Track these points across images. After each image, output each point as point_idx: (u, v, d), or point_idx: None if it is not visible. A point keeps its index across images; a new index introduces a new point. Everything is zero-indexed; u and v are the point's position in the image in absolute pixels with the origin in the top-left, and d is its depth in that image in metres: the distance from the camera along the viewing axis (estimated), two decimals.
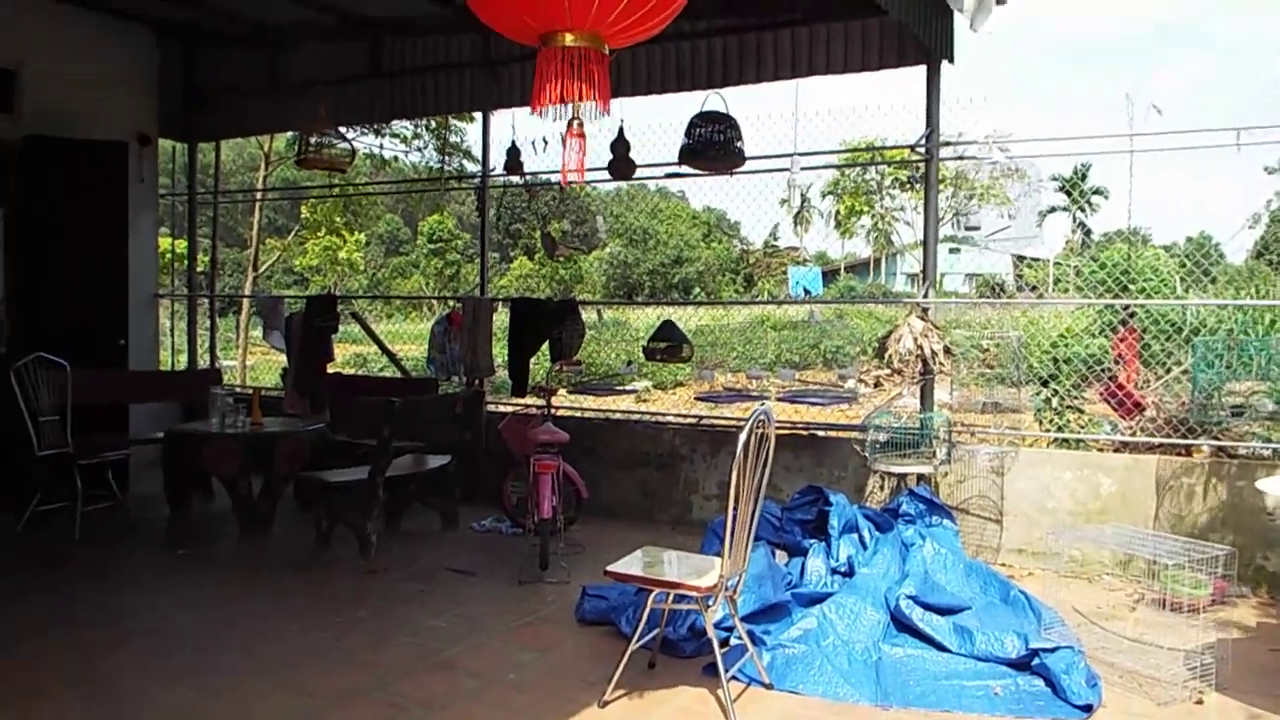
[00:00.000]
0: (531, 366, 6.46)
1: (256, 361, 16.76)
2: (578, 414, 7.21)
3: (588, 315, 7.75)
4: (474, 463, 6.33)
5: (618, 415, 7.15)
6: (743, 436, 3.16)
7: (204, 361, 8.68)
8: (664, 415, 6.79)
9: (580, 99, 2.84)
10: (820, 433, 6.14)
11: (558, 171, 4.29)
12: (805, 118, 5.96)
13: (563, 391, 6.70)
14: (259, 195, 12.87)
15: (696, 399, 6.80)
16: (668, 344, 6.17)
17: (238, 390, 8.33)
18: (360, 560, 5.24)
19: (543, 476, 5.10)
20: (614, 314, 16.79)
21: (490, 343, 6.85)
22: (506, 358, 6.54)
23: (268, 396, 7.12)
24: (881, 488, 5.47)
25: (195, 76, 8.06)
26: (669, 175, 6.57)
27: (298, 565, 5.15)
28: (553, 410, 5.78)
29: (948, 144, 5.78)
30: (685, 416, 6.68)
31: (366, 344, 12.24)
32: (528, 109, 3.16)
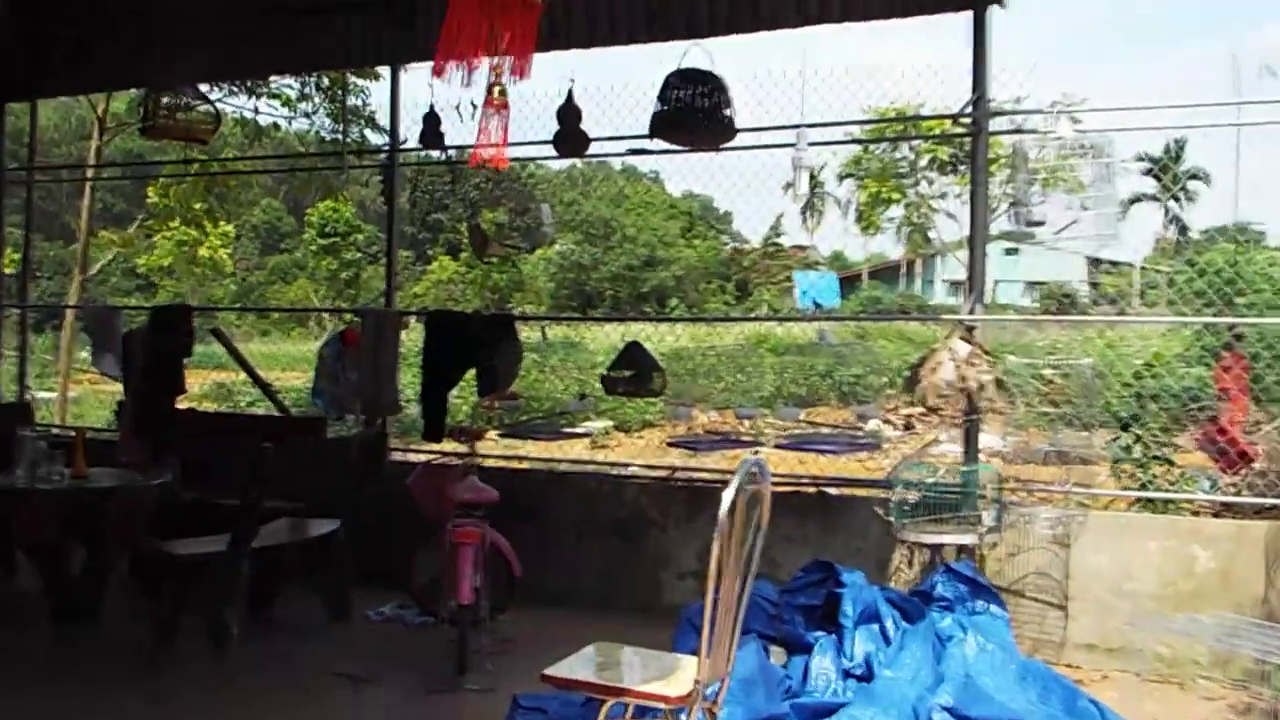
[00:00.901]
0: (452, 401, 6.52)
1: (83, 393, 16.59)
2: (512, 465, 7.25)
3: (528, 334, 7.83)
4: (372, 530, 6.28)
5: (566, 467, 7.24)
6: (729, 495, 3.14)
7: (10, 393, 8.63)
8: (627, 466, 6.98)
9: (499, 56, 2.85)
10: (832, 490, 6.16)
11: (490, 146, 4.29)
12: (815, 78, 6.09)
13: (492, 435, 6.68)
14: (90, 172, 12.72)
15: (670, 445, 6.88)
16: (634, 373, 6.22)
17: (55, 432, 8.26)
18: (216, 660, 5.20)
19: (463, 548, 5.10)
20: (563, 332, 16.44)
21: (398, 370, 6.83)
22: (419, 390, 6.60)
23: (96, 440, 7.05)
24: (911, 563, 5.53)
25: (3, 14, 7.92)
26: (634, 152, 6.64)
27: (131, 667, 5.09)
28: (479, 460, 5.76)
29: (1001, 112, 5.88)
30: (655, 468, 6.80)
31: (232, 370, 12.13)
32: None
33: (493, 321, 6.58)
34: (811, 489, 6.23)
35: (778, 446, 6.55)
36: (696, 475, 6.52)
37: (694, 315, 23.03)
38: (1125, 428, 6.97)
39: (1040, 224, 5.58)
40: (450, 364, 6.51)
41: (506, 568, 5.79)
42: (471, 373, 6.46)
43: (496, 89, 3.15)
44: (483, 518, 5.30)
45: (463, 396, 9.13)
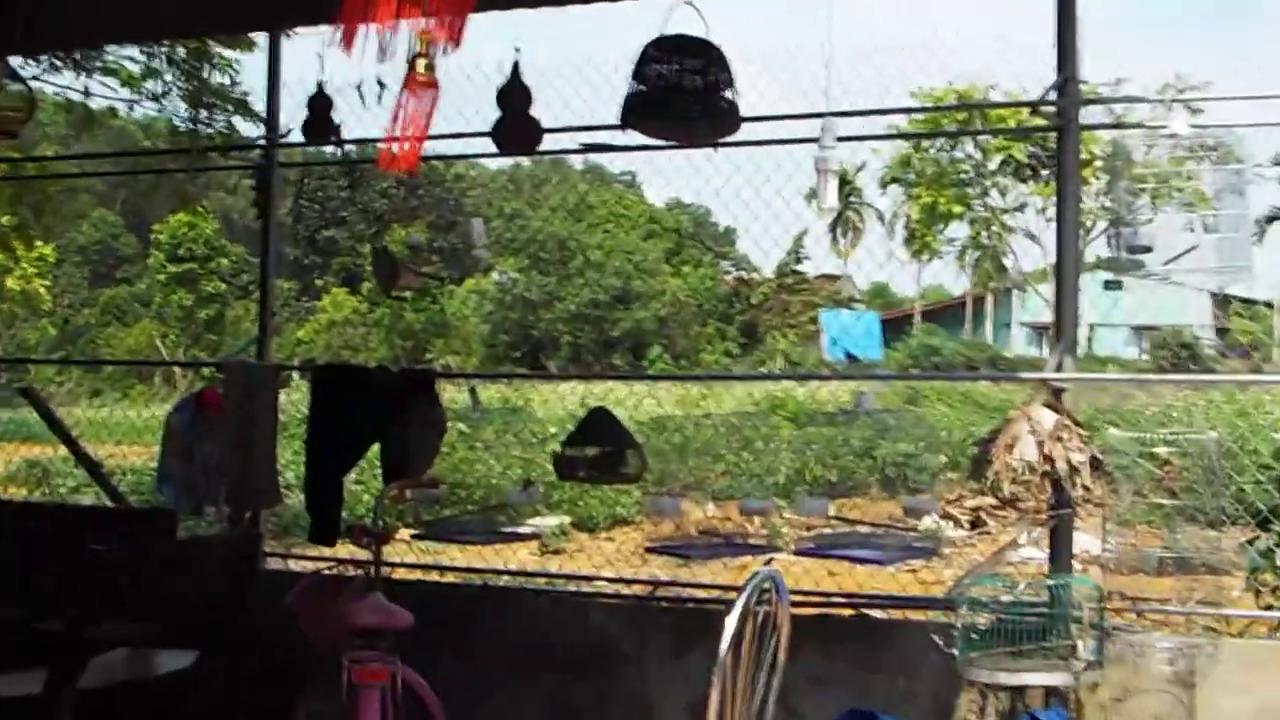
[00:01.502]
0: (350, 490, 6.56)
1: None
2: (433, 577, 7.30)
3: (454, 396, 7.81)
4: (241, 666, 6.11)
5: (506, 580, 7.36)
6: (733, 621, 3.19)
7: None
8: (591, 580, 7.06)
9: (426, 17, 2.88)
10: (875, 612, 6.20)
11: (405, 140, 4.26)
12: (849, 52, 6.21)
13: (405, 535, 6.84)
14: None
15: (650, 551, 6.88)
16: (600, 450, 6.25)
17: None
18: None
19: (365, 693, 5.11)
20: (502, 394, 16.67)
21: (276, 446, 6.89)
22: (304, 474, 6.65)
23: None
24: (982, 711, 5.50)
25: None
26: (598, 149, 6.59)
27: None
28: (387, 571, 5.78)
29: (1095, 100, 5.91)
30: (629, 583, 6.86)
31: (50, 443, 11.91)
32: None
33: (405, 380, 6.60)
34: (846, 610, 6.24)
35: (799, 553, 6.54)
36: (687, 593, 6.59)
37: (683, 373, 22.85)
38: (1265, 525, 6.97)
39: (1148, 250, 5.54)
40: (347, 438, 6.52)
41: (426, 717, 5.74)
42: (376, 450, 6.46)
43: (421, 62, 3.14)
44: (392, 650, 5.30)
45: (364, 483, 9.08)
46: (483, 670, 6.50)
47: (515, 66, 6.26)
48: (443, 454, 6.74)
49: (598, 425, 6.39)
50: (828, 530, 6.99)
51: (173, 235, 35.57)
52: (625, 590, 6.84)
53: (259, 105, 8.07)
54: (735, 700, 3.28)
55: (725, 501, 7.48)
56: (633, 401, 8.24)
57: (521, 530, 7.58)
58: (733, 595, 3.34)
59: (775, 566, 3.64)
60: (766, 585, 3.42)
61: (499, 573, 7.91)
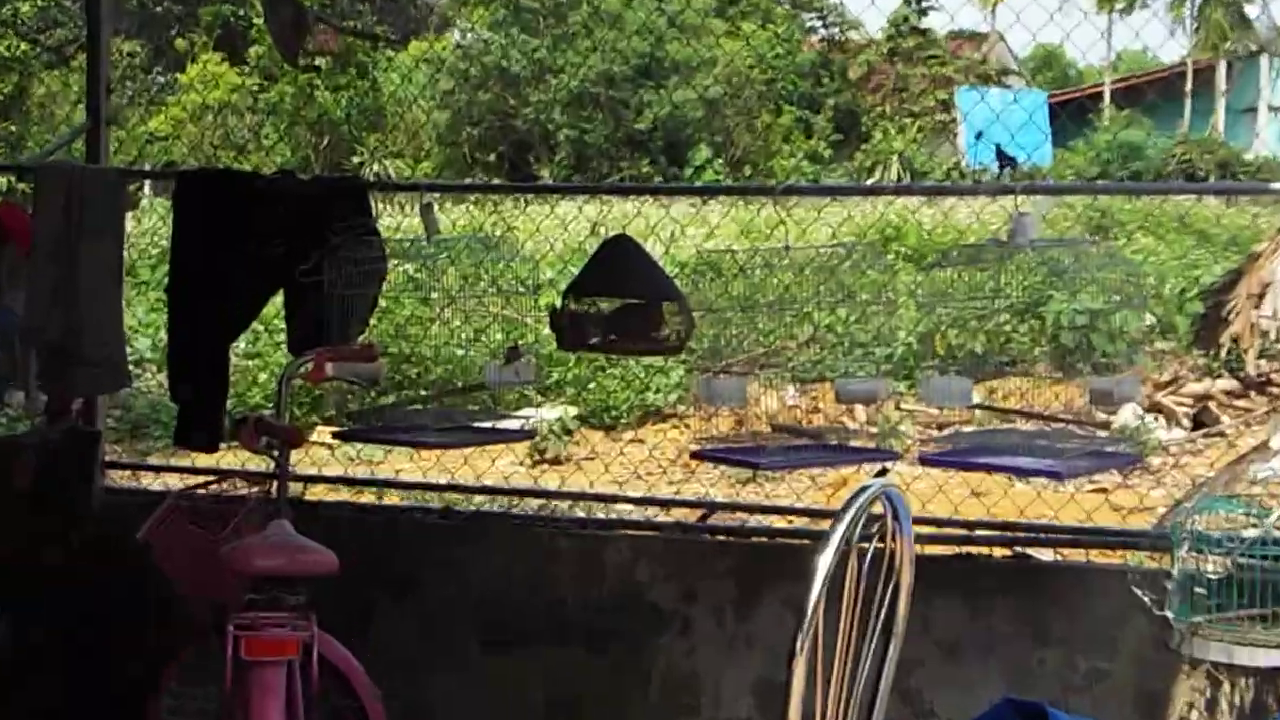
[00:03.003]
0: (238, 364, 6.66)
1: None
2: (367, 499, 7.57)
3: (396, 220, 7.72)
4: (77, 629, 6.16)
5: (482, 501, 7.63)
6: (825, 563, 3.12)
7: None
8: (612, 502, 7.18)
9: None
10: (1044, 553, 6.29)
11: None
12: None
13: (324, 434, 6.93)
14: None
15: (698, 457, 6.84)
16: (622, 304, 6.24)
17: None
18: None
19: (261, 674, 5.16)
20: (471, 216, 16.55)
21: (118, 298, 6.94)
22: (165, 341, 6.80)
23: None
24: (1212, 705, 5.51)
25: None
26: None
27: None
28: (296, 489, 5.99)
29: None
30: (668, 504, 7.00)
31: None
32: None
33: (321, 196, 6.61)
34: (999, 549, 6.33)
35: (927, 461, 6.43)
36: (755, 520, 6.59)
37: (746, 185, 22.60)
38: None
39: None
40: (232, 287, 6.56)
41: (356, 711, 5.80)
42: (279, 303, 6.52)
43: None
44: (304, 609, 5.31)
45: (259, 355, 9.05)
46: (442, 638, 6.58)
47: None
48: (382, 310, 6.80)
49: (617, 266, 6.32)
50: (970, 427, 7.14)
51: None
52: (661, 516, 6.85)
53: None
54: (829, 681, 3.28)
55: (813, 384, 7.32)
56: (669, 231, 8.36)
57: (503, 427, 7.21)
58: (825, 525, 3.32)
59: (891, 481, 3.45)
60: (879, 509, 3.36)
61: (468, 491, 8.03)
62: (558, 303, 6.33)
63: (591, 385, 15.76)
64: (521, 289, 6.48)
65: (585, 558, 6.70)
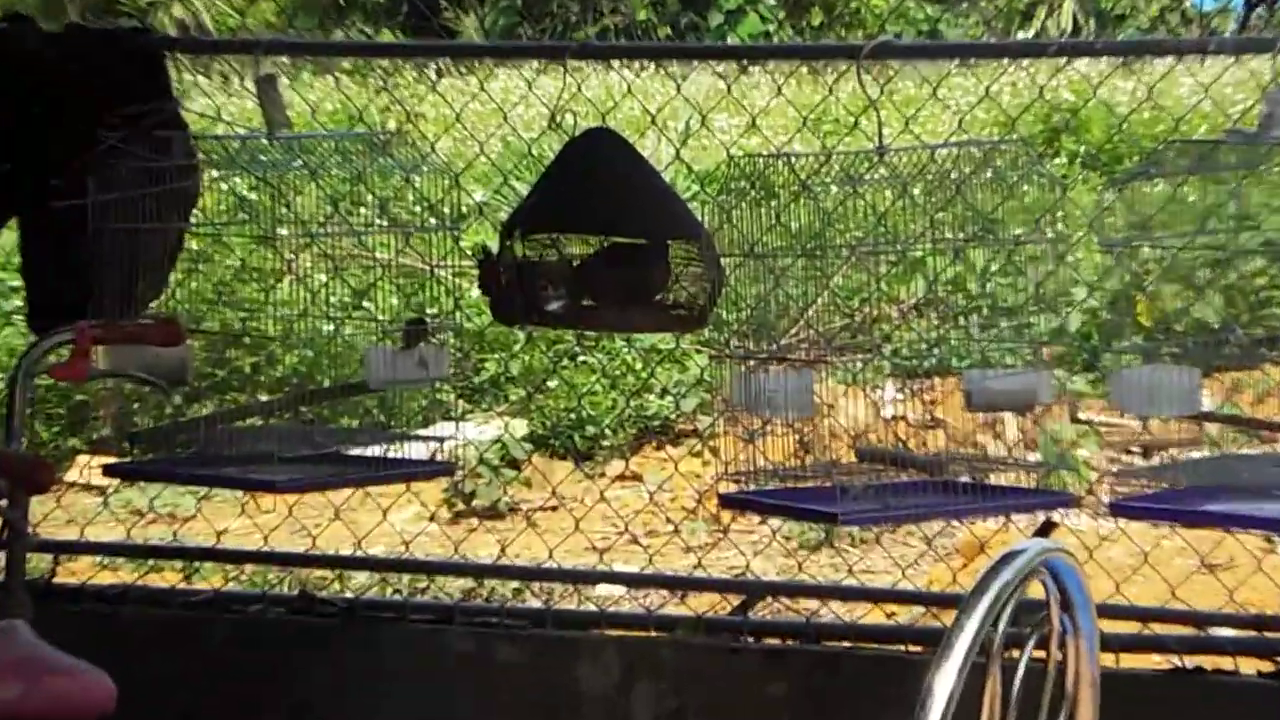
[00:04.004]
0: None
1: None
2: (166, 581, 7.08)
3: (209, 100, 7.40)
4: None
5: (366, 581, 7.73)
6: (947, 679, 2.40)
7: None
8: (587, 580, 7.08)
9: None
10: None
11: None
12: None
13: (91, 465, 6.50)
14: None
15: (730, 505, 5.76)
16: (604, 246, 5.30)
17: None
18: None
19: None
20: (341, 94, 14.86)
21: None
22: None
23: None
24: None
25: None
26: None
27: None
28: (44, 568, 5.92)
29: None
30: (683, 588, 6.78)
31: None
32: None
33: (86, 61, 5.64)
34: (1249, 661, 5.39)
35: (1120, 510, 5.38)
36: (828, 611, 6.05)
37: (809, 44, 22.88)
38: None
39: None
40: None
41: None
42: (10, 246, 6.17)
43: None
44: None
45: None
46: None
47: None
48: (190, 258, 5.65)
49: (595, 184, 5.25)
50: (1197, 452, 7.05)
51: None
52: (671, 606, 6.79)
53: None
54: None
55: (926, 379, 6.08)
56: (683, 121, 7.83)
57: (401, 455, 5.73)
58: (948, 619, 2.74)
59: (1061, 545, 2.66)
60: (1038, 593, 2.70)
61: (343, 565, 7.34)
62: (493, 245, 5.36)
63: (552, 384, 13.01)
64: (431, 222, 5.43)
65: (544, 678, 5.80)
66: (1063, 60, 8.16)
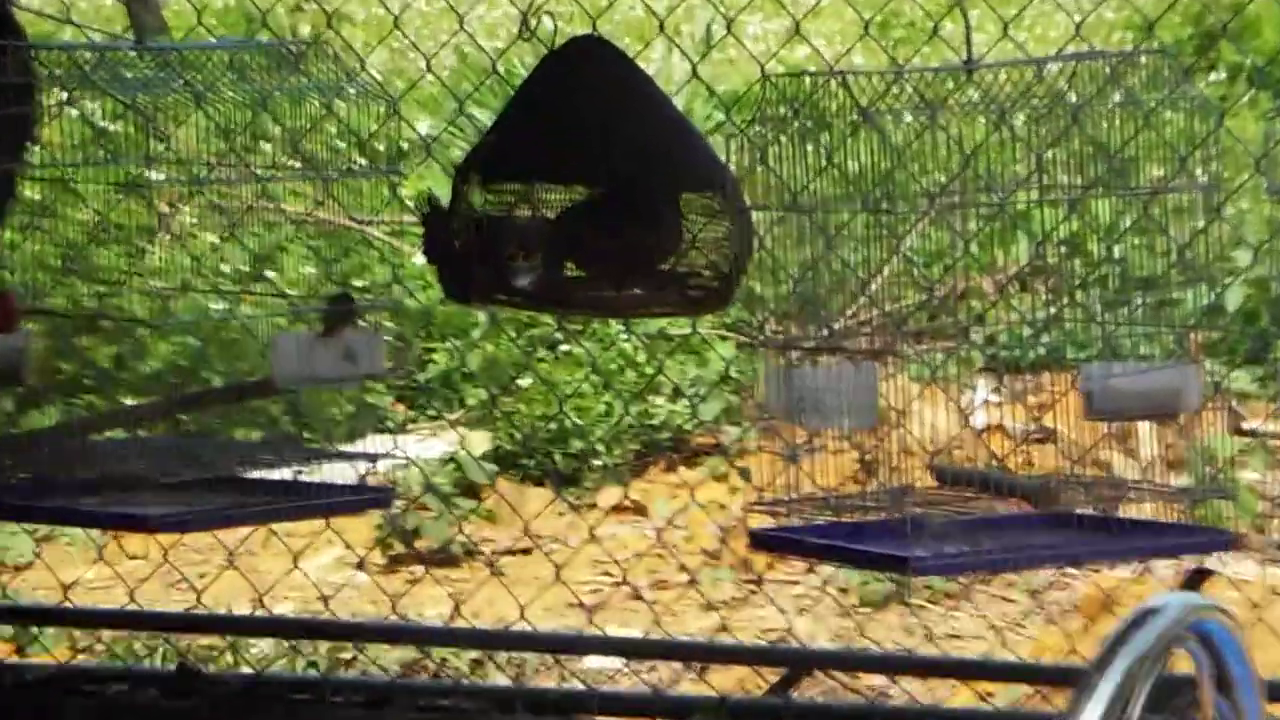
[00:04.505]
0: None
1: None
2: (25, 659, 6.87)
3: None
4: None
5: (270, 652, 7.21)
6: None
7: None
8: (571, 649, 6.99)
9: None
10: None
11: None
12: None
13: None
14: None
15: (762, 545, 5.58)
16: (592, 197, 5.01)
17: None
18: None
19: None
20: (240, 4, 15.13)
21: None
22: None
23: None
24: None
25: None
26: None
27: None
28: None
29: None
30: (702, 660, 6.46)
31: None
32: None
33: None
34: None
35: None
36: (897, 693, 5.78)
37: None
38: None
39: None
40: None
41: None
42: None
43: None
44: None
45: None
46: None
47: None
48: (33, 210, 5.25)
49: (579, 114, 4.98)
50: None
51: None
52: (687, 684, 6.27)
53: None
54: None
55: (1029, 375, 5.51)
56: (702, 26, 8.12)
57: (318, 480, 5.21)
58: (1060, 703, 3.74)
59: (1215, 603, 1.90)
60: (1185, 668, 2.17)
61: (240, 630, 6.96)
62: (444, 195, 5.09)
63: (524, 383, 11.46)
64: (360, 163, 4.91)
65: None
66: None
